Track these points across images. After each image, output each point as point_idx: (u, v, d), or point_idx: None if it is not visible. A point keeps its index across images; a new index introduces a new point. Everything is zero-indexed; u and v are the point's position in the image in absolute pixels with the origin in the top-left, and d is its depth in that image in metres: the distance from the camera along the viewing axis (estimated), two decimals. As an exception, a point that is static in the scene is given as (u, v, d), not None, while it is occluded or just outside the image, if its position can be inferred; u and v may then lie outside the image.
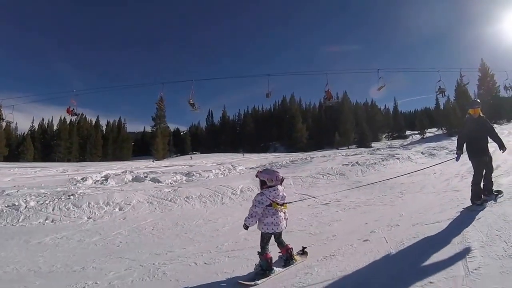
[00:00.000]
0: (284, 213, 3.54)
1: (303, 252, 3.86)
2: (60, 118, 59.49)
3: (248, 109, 75.71)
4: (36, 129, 62.18)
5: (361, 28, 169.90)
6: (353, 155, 16.79)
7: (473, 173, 5.38)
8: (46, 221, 6.51)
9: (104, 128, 70.10)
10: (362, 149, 33.04)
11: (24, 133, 62.57)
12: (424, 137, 47.82)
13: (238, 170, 15.71)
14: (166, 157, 53.41)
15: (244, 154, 41.50)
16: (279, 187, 3.52)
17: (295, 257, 3.66)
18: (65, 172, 18.87)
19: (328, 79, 15.11)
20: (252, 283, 3.21)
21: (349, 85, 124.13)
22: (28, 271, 4.03)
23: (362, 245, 3.98)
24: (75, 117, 18.40)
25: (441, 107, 56.23)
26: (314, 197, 7.22)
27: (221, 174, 14.19)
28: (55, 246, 5.06)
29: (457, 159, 5.64)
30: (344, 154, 17.79)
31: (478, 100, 5.75)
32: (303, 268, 3.49)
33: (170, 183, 11.36)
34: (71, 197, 7.22)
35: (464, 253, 3.17)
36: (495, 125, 34.69)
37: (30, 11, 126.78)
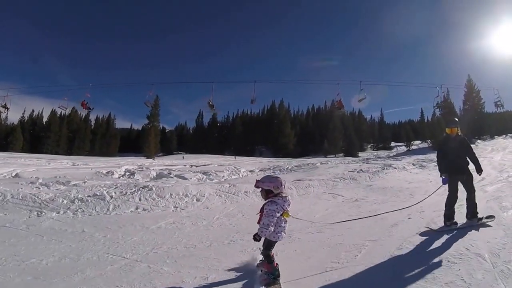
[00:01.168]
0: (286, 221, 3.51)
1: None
2: (53, 110, 59.75)
3: (238, 112, 76.90)
4: (26, 120, 62.11)
5: (346, 39, 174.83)
6: (350, 163, 17.70)
7: (448, 192, 5.24)
8: (138, 210, 6.90)
9: (93, 123, 69.93)
10: (350, 158, 34.08)
11: (13, 123, 61.79)
12: (410, 149, 49.26)
13: (242, 172, 16.15)
14: (155, 155, 53.52)
15: (236, 157, 42.14)
16: (288, 197, 3.48)
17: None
18: (76, 165, 19.17)
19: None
20: None
21: (335, 93, 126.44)
22: (187, 248, 4.46)
23: (409, 220, 5.55)
24: (89, 110, 18.86)
25: (425, 119, 58.78)
26: (342, 196, 8.33)
27: (232, 175, 14.73)
28: (176, 229, 5.43)
29: (444, 182, 5.32)
30: (343, 162, 18.66)
31: (456, 119, 5.71)
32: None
33: (196, 180, 12.04)
34: (153, 188, 7.80)
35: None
36: (478, 141, 36.53)
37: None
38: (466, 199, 5.20)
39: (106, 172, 13.26)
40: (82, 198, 7.01)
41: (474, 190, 5.21)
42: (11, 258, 3.95)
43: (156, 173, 13.33)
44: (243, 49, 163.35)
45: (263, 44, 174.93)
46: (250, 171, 16.82)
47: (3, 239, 4.69)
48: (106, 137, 66.68)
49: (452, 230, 4.78)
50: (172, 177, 12.55)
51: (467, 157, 5.28)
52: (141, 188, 7.80)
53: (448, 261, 3.51)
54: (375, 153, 50.41)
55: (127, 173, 13.45)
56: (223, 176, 13.75)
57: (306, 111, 76.83)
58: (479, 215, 5.08)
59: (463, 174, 5.19)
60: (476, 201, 5.14)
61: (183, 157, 42.58)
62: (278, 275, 3.31)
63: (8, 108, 18.75)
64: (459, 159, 5.26)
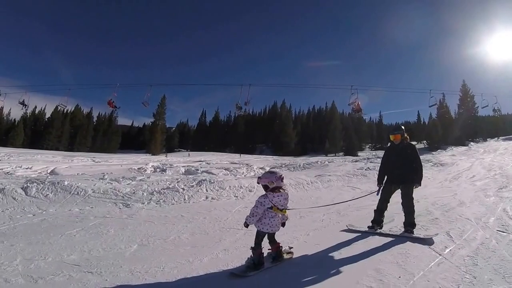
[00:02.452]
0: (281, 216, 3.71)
1: (290, 251, 4.00)
2: (57, 107, 60.00)
3: (245, 110, 77.48)
4: (28, 116, 61.79)
5: (347, 45, 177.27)
6: (357, 162, 19.18)
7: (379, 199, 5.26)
8: (208, 199, 7.90)
9: (95, 119, 70.44)
10: (351, 157, 34.93)
11: (14, 119, 62.47)
12: None
13: (255, 169, 17.26)
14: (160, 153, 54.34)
15: (241, 155, 43.26)
16: (285, 192, 3.71)
17: (283, 254, 3.86)
18: (98, 162, 20.39)
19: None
20: (244, 274, 3.43)
21: (335, 94, 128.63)
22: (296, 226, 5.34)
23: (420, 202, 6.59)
24: (116, 109, 18.58)
25: (422, 121, 60.37)
26: (359, 188, 9.94)
27: (248, 172, 15.85)
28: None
29: (378, 193, 5.32)
30: (349, 161, 20.03)
31: (402, 126, 5.51)
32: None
33: (222, 175, 13.13)
34: (214, 181, 8.98)
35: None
36: (471, 143, 38.01)
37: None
38: (402, 207, 5.02)
39: (138, 168, 14.55)
40: (160, 191, 7.94)
41: (411, 202, 4.96)
42: (152, 238, 4.59)
43: (185, 169, 14.63)
44: (245, 51, 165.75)
45: (266, 46, 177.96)
46: (260, 168, 17.81)
47: (121, 227, 5.22)
48: (107, 134, 66.85)
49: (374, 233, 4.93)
50: (200, 173, 13.66)
51: (412, 165, 5.01)
52: (202, 181, 8.93)
53: (449, 221, 5.25)
54: (374, 153, 51.34)
55: (158, 170, 14.74)
56: (243, 172, 14.88)
57: (307, 111, 78.55)
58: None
59: (400, 183, 5.06)
60: (414, 211, 4.94)
61: (188, 154, 43.27)
62: (260, 263, 3.54)
63: (26, 105, 18.49)
64: (399, 168, 5.09)
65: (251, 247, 3.62)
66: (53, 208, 6.64)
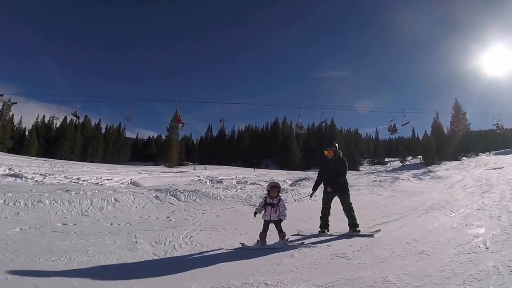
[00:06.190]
0: (273, 208, 5.12)
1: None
2: (66, 118, 60.98)
3: (249, 126, 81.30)
4: (40, 126, 63.39)
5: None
6: (369, 175, 22.64)
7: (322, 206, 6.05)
8: (291, 202, 10.48)
9: (103, 131, 72.37)
10: (354, 172, 37.48)
11: (24, 128, 64.31)
12: (404, 164, 51.40)
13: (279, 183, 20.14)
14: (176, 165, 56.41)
15: (255, 169, 45.30)
16: (269, 199, 5.23)
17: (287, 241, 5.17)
18: (150, 174, 23.30)
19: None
20: (249, 245, 5.15)
21: (332, 112, 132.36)
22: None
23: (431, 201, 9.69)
24: (183, 126, 18.31)
25: (416, 136, 63.49)
26: (382, 194, 13.25)
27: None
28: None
29: (311, 196, 6.49)
30: (360, 175, 23.30)
31: (334, 143, 6.21)
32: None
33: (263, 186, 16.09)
34: (288, 190, 12.36)
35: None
36: (464, 158, 40.69)
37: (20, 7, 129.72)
38: (343, 212, 5.91)
39: (197, 180, 17.73)
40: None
41: (350, 204, 5.90)
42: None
43: (236, 180, 17.69)
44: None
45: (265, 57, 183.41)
46: (283, 181, 20.29)
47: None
48: (117, 145, 69.19)
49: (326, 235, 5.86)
50: (248, 184, 16.25)
51: (342, 176, 5.94)
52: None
53: (450, 207, 8.53)
54: (373, 168, 53.76)
55: (214, 181, 17.77)
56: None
57: (307, 127, 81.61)
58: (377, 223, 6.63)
59: (337, 191, 5.91)
60: (354, 213, 5.89)
61: (205, 167, 44.69)
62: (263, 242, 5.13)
63: (79, 117, 18.21)
64: (332, 178, 5.93)
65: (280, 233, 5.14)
66: (214, 208, 9.32)
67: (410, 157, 61.87)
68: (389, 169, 41.74)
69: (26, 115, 68.16)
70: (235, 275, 3.69)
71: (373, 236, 5.42)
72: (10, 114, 50.28)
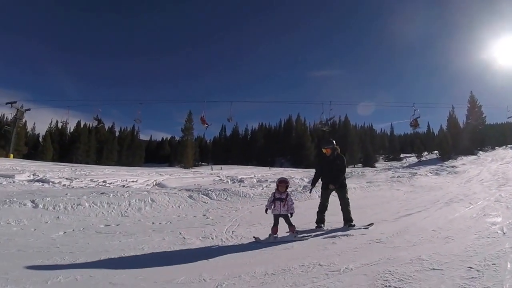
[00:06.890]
0: (282, 203, 5.43)
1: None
2: (79, 122, 64.25)
3: (262, 124, 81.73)
4: (54, 131, 64.48)
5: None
6: (387, 171, 23.12)
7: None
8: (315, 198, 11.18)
9: (117, 134, 73.89)
10: (371, 168, 37.75)
11: (38, 134, 66.14)
12: (421, 160, 50.03)
13: (299, 180, 20.71)
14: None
15: (270, 168, 45.29)
16: (278, 193, 5.53)
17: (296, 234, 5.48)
18: (175, 175, 24.04)
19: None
20: (262, 238, 5.45)
21: (345, 108, 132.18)
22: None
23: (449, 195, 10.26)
24: (207, 126, 20.17)
25: (431, 131, 63.10)
26: (401, 190, 13.83)
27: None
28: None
29: (310, 191, 6.93)
30: (377, 172, 23.81)
31: (332, 140, 6.26)
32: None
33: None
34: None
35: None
36: (480, 152, 40.09)
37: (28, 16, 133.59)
38: (340, 207, 6.08)
39: (219, 180, 18.45)
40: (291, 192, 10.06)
41: (347, 199, 6.09)
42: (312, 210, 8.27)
43: (257, 180, 18.32)
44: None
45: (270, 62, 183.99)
46: (300, 179, 20.01)
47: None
48: (131, 148, 69.76)
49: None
50: (269, 182, 16.39)
51: (340, 173, 6.07)
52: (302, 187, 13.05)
53: (469, 200, 9.05)
54: (389, 164, 52.84)
55: (235, 181, 18.34)
56: (297, 182, 18.37)
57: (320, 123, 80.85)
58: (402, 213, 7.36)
59: (332, 189, 6.12)
60: (350, 209, 6.07)
61: (221, 167, 43.90)
62: (274, 235, 5.48)
63: (101, 121, 19.41)
64: (330, 175, 6.11)
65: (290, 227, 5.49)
66: (245, 205, 9.90)
67: (425, 153, 60.45)
68: (405, 165, 41.20)
69: (39, 121, 70.83)
70: (289, 259, 4.18)
71: (368, 229, 5.79)
72: (23, 121, 50.56)
